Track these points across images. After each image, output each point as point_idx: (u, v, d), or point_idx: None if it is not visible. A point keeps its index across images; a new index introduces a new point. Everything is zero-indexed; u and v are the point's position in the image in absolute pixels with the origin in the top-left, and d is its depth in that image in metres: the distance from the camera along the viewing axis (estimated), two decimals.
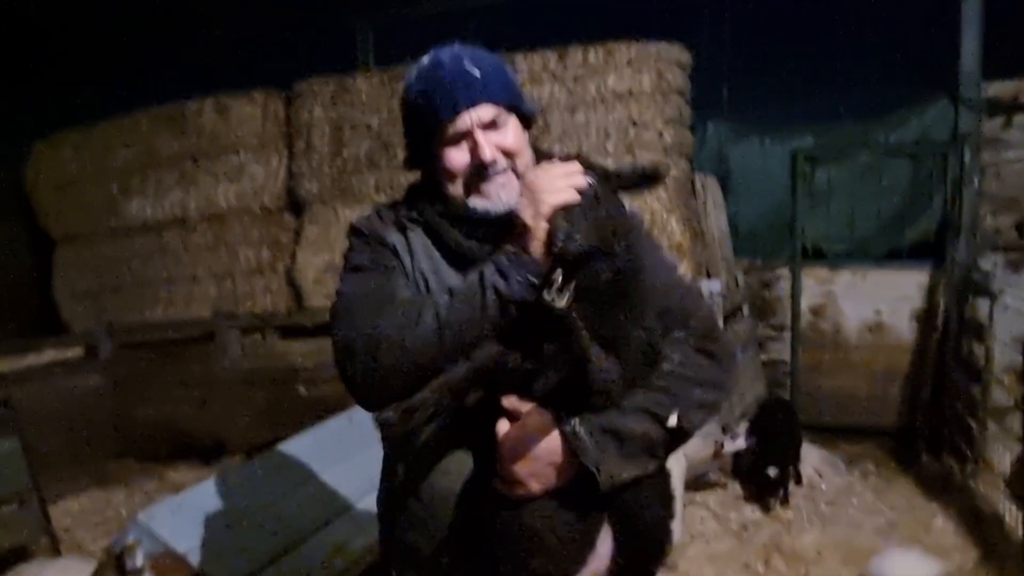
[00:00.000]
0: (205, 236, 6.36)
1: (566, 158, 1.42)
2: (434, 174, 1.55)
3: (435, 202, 1.54)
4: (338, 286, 1.52)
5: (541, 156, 1.57)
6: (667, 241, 4.96)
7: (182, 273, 6.46)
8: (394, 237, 1.54)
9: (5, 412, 4.07)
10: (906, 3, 5.25)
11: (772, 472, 4.31)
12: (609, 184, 1.37)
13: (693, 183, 5.36)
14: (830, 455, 4.92)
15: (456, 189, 1.50)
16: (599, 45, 5.16)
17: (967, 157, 5.23)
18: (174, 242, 6.45)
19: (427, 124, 1.49)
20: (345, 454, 3.41)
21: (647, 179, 1.40)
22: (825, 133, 5.78)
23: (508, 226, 1.40)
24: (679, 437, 1.46)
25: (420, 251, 1.53)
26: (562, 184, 1.33)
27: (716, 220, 5.52)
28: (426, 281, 1.51)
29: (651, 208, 4.99)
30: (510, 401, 1.39)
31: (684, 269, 4.94)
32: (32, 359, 5.94)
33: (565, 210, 1.32)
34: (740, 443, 4.35)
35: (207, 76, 6.73)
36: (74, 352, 6.33)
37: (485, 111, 1.47)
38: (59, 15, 6.90)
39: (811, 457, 4.72)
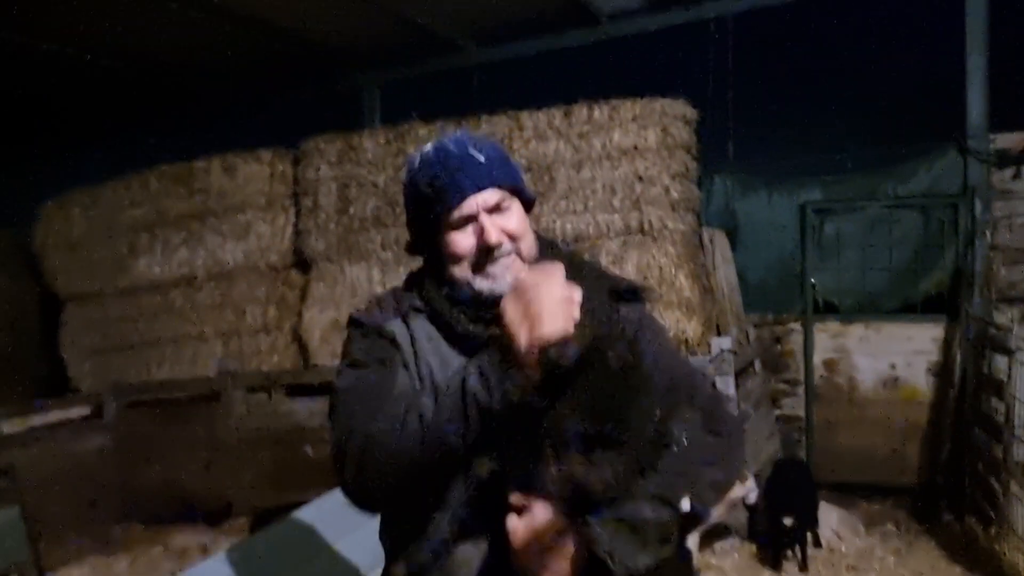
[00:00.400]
0: (212, 294, 6.35)
1: (568, 254, 1.41)
2: (438, 259, 1.55)
3: (439, 286, 1.54)
4: (336, 380, 1.51)
5: (542, 242, 1.58)
6: (676, 297, 4.91)
7: (188, 331, 6.44)
8: (395, 326, 1.53)
9: (6, 481, 4.00)
10: (911, 56, 5.25)
11: (788, 521, 4.18)
12: (601, 284, 1.37)
13: (701, 237, 5.33)
14: (849, 516, 4.79)
15: (462, 272, 1.50)
16: (604, 102, 5.18)
17: (978, 209, 5.18)
18: (181, 301, 6.46)
19: (433, 210, 1.50)
20: (355, 523, 3.32)
21: (635, 295, 1.42)
22: (833, 185, 5.75)
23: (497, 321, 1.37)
24: (693, 520, 1.43)
25: (423, 338, 1.52)
26: (561, 313, 1.29)
27: (725, 274, 5.46)
28: (430, 369, 1.49)
29: (659, 264, 4.95)
30: (517, 498, 1.35)
31: (694, 325, 4.88)
32: (37, 420, 5.89)
33: None
34: (751, 485, 4.25)
35: (215, 136, 6.81)
36: (80, 411, 6.29)
37: (491, 195, 1.48)
38: (69, 78, 7.00)
39: (830, 518, 4.59)
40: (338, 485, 1.45)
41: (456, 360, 1.47)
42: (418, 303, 1.54)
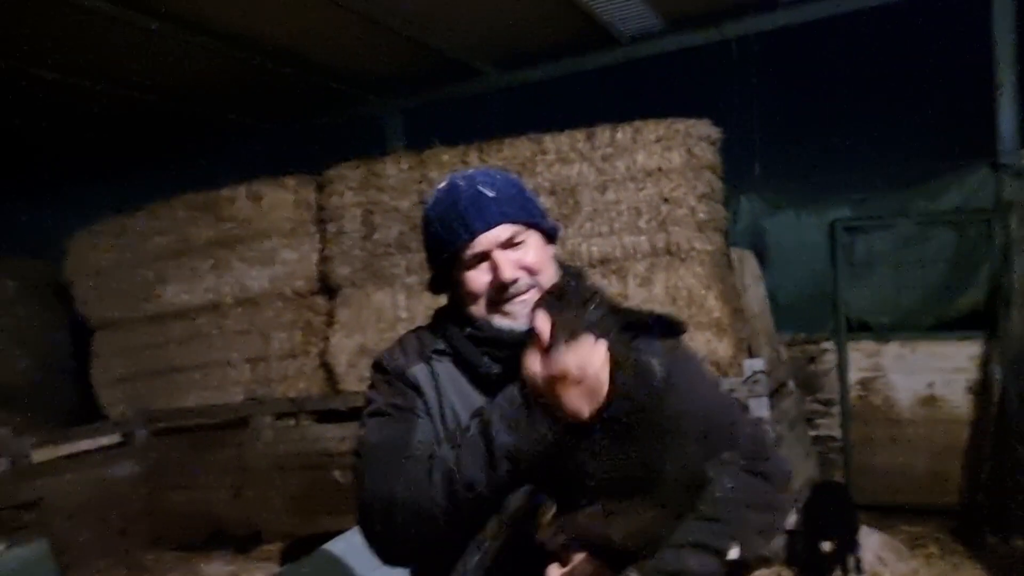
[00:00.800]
0: (239, 321, 6.37)
1: (590, 295, 1.34)
2: (458, 298, 1.53)
3: (461, 325, 1.51)
4: (360, 431, 1.51)
5: (567, 272, 1.53)
6: (705, 318, 4.84)
7: (216, 358, 6.45)
8: (418, 370, 1.51)
9: (36, 513, 4.02)
10: (940, 71, 5.19)
11: (826, 546, 4.09)
12: (627, 328, 1.33)
13: (729, 258, 5.26)
14: (891, 539, 4.68)
15: (479, 310, 1.48)
16: (627, 124, 5.15)
17: (1013, 225, 5.08)
18: (208, 327, 6.48)
19: (447, 249, 1.48)
20: None
21: (667, 328, 1.36)
22: (862, 203, 5.68)
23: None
24: (741, 567, 1.39)
25: (447, 382, 1.49)
26: (603, 382, 1.27)
27: (755, 294, 5.39)
28: (455, 412, 1.47)
29: (687, 285, 4.89)
30: (556, 545, 1.30)
31: (725, 346, 4.81)
32: (67, 448, 5.93)
33: None
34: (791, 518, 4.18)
35: (240, 164, 6.88)
36: (110, 439, 6.33)
37: (502, 231, 1.46)
38: (98, 111, 7.11)
39: (871, 542, 4.48)
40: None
41: (479, 401, 1.44)
42: (441, 346, 1.52)
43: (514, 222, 1.47)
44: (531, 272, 1.47)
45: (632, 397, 1.28)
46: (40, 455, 5.59)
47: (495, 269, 1.45)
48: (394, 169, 5.82)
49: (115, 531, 5.86)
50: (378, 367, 1.55)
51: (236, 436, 5.98)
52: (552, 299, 1.34)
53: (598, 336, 1.27)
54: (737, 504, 1.39)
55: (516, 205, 1.49)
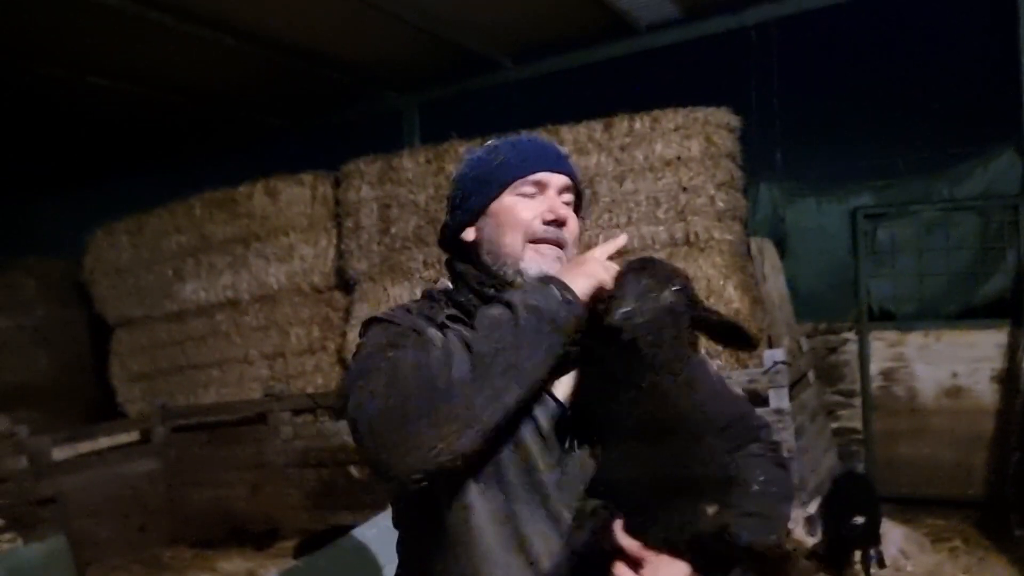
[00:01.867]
0: (257, 317, 6.39)
1: (673, 273, 1.29)
2: (490, 234, 1.41)
3: (479, 286, 1.39)
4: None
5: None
6: (725, 308, 4.78)
7: (234, 354, 6.48)
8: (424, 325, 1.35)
9: (53, 509, 4.02)
10: (963, 55, 5.10)
11: (859, 520, 4.01)
12: (697, 323, 1.26)
13: (749, 247, 5.20)
14: (914, 532, 4.60)
15: (512, 242, 1.38)
16: (645, 113, 5.11)
17: None
18: (226, 324, 6.50)
19: (499, 178, 1.41)
20: None
21: (734, 337, 1.28)
22: (884, 190, 5.59)
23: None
24: (762, 558, 1.33)
25: None
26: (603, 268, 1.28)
27: (775, 284, 5.33)
28: None
29: (707, 275, 4.84)
30: (631, 543, 1.18)
31: None
32: (87, 445, 5.96)
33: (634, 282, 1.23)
34: (811, 508, 4.11)
35: (258, 161, 6.89)
36: (129, 436, 6.36)
37: (568, 180, 1.45)
38: (116, 110, 7.15)
39: (894, 536, 4.40)
40: (366, 462, 1.18)
41: None
42: (453, 311, 1.37)
43: (576, 183, 1.47)
44: (569, 231, 1.43)
45: (677, 403, 1.22)
46: (60, 452, 5.61)
47: (551, 204, 1.40)
48: (411, 163, 5.81)
49: (134, 528, 5.87)
50: (377, 320, 1.38)
51: (254, 432, 5.98)
52: (637, 265, 1.28)
53: (671, 319, 1.21)
54: (772, 498, 1.37)
55: (576, 173, 1.49)
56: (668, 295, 1.22)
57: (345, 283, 6.15)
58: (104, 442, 6.07)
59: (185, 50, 5.99)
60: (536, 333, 1.17)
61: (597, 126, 5.23)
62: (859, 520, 3.98)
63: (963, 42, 5.12)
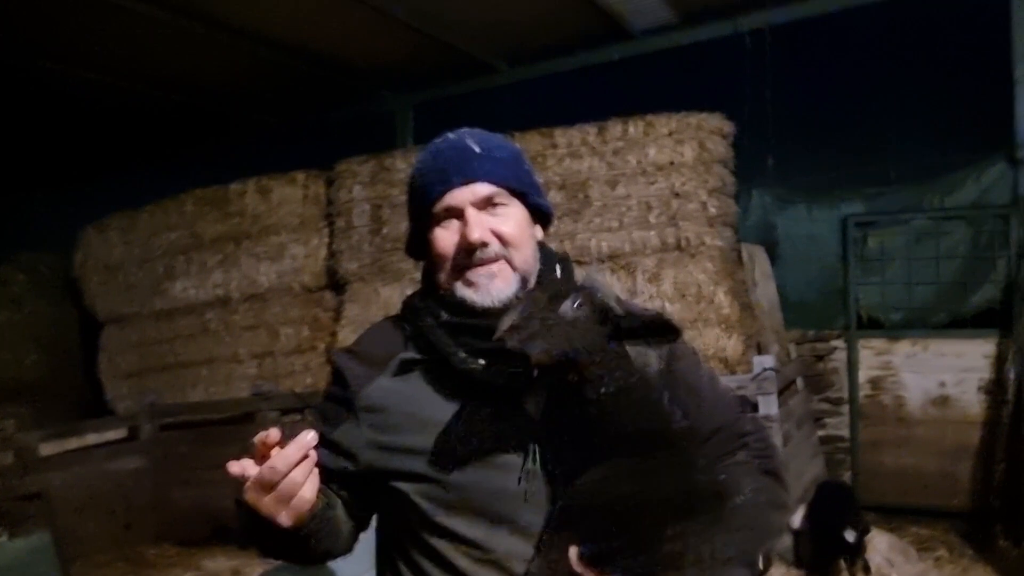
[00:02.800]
0: (246, 316, 6.37)
1: (567, 289, 1.22)
2: (429, 264, 1.39)
3: (436, 312, 1.34)
4: None
5: (549, 257, 1.41)
6: (715, 314, 4.79)
7: (223, 353, 6.46)
8: (375, 388, 1.35)
9: (37, 506, 4.00)
10: (956, 65, 5.12)
11: (850, 537, 4.01)
12: (607, 325, 1.19)
13: (739, 253, 5.21)
14: (899, 541, 4.60)
15: (443, 275, 1.33)
16: (638, 118, 5.11)
17: None
18: (216, 322, 6.48)
19: (422, 203, 1.35)
20: None
21: (655, 329, 1.21)
22: (875, 198, 5.61)
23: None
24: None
25: (418, 396, 1.33)
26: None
27: (765, 290, 5.34)
28: (423, 426, 1.31)
29: (697, 280, 4.84)
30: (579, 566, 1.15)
31: (734, 342, 4.75)
32: (73, 442, 5.93)
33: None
34: (797, 517, 4.12)
35: (250, 159, 6.88)
36: (116, 433, 6.33)
37: (480, 188, 1.30)
38: (107, 105, 7.13)
39: (880, 544, 4.41)
40: None
41: (447, 405, 1.29)
42: (411, 355, 1.34)
43: (496, 183, 1.31)
44: (504, 241, 1.30)
45: (620, 418, 1.17)
46: (46, 448, 5.58)
47: (464, 229, 1.29)
48: (404, 163, 5.79)
49: (119, 525, 5.85)
50: (335, 370, 1.42)
51: (242, 431, 5.95)
52: (535, 289, 1.23)
53: (576, 335, 1.15)
54: (761, 508, 1.32)
55: (504, 167, 1.34)
56: (568, 309, 1.16)
57: (336, 283, 6.13)
58: (91, 439, 6.03)
59: (180, 46, 5.97)
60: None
61: (591, 130, 5.23)
62: (851, 536, 3.99)
63: (955, 52, 5.13)
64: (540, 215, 1.41)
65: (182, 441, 6.12)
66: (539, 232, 1.41)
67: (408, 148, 6.38)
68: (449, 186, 1.31)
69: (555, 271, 1.40)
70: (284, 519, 1.15)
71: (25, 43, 5.77)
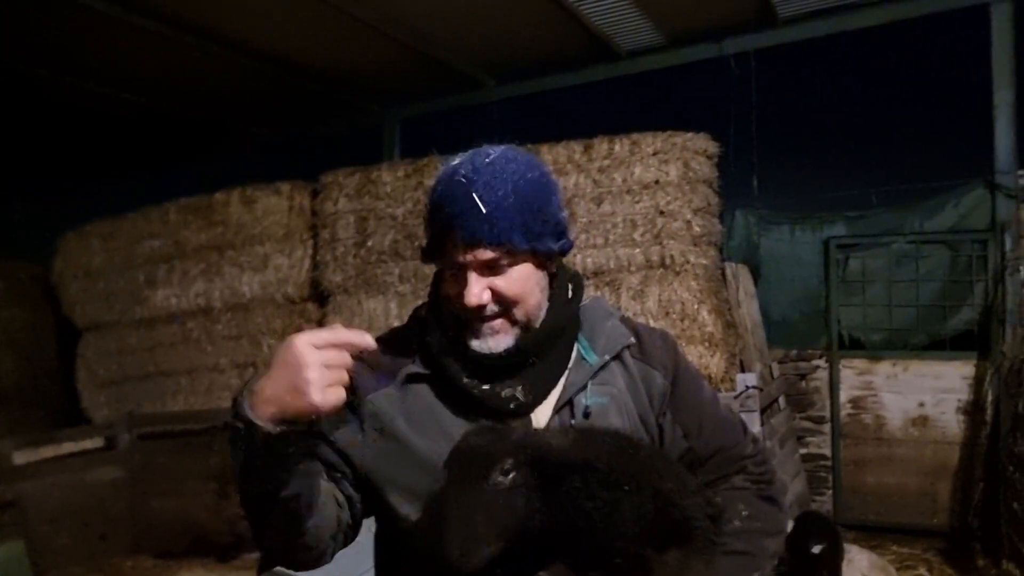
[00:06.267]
0: (228, 326, 6.32)
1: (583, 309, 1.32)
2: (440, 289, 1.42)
3: (443, 329, 1.38)
4: None
5: (563, 278, 1.42)
6: (698, 332, 4.82)
7: (204, 362, 6.39)
8: (381, 396, 1.38)
9: (12, 515, 3.93)
10: (937, 91, 5.22)
11: (816, 549, 4.01)
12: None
13: (723, 272, 5.25)
14: (880, 559, 4.62)
15: (451, 316, 1.36)
16: (624, 137, 5.15)
17: (1008, 245, 5.08)
18: (197, 331, 6.42)
19: (433, 246, 1.36)
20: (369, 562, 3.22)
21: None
22: (857, 221, 5.68)
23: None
24: None
25: (420, 408, 1.37)
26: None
27: (748, 309, 5.38)
28: (426, 437, 1.35)
29: (681, 299, 4.87)
30: None
31: (717, 360, 4.78)
32: (49, 451, 5.84)
33: None
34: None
35: (237, 170, 6.85)
36: (93, 443, 6.24)
37: (482, 253, 1.29)
38: (93, 112, 7.09)
39: (860, 562, 4.42)
40: None
41: (455, 426, 1.33)
42: (416, 369, 1.38)
43: (500, 245, 1.28)
44: (504, 301, 1.31)
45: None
46: (21, 457, 5.49)
47: (464, 289, 1.30)
48: (390, 177, 5.80)
49: (95, 536, 5.75)
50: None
51: (222, 442, 5.89)
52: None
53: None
54: (756, 534, 1.34)
55: (511, 223, 1.28)
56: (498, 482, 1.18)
57: (319, 295, 6.11)
58: (67, 448, 5.94)
59: (171, 56, 5.97)
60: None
61: (577, 147, 5.26)
62: (816, 549, 3.98)
63: (938, 78, 5.24)
64: (550, 254, 1.38)
65: (161, 451, 6.04)
66: (552, 268, 1.40)
67: (395, 162, 6.38)
68: (454, 245, 1.30)
69: (567, 291, 1.42)
70: (317, 395, 1.12)
71: (11, 48, 5.73)
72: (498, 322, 1.32)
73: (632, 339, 1.43)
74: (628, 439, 1.26)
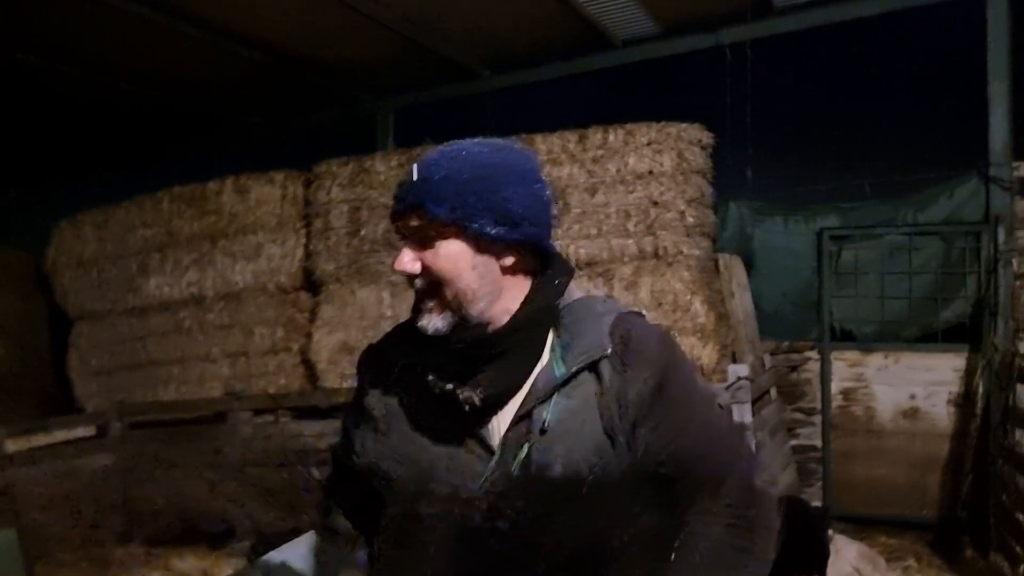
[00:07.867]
0: (221, 315, 6.32)
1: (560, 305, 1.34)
2: None
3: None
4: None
5: (553, 276, 1.36)
6: (690, 323, 4.82)
7: (196, 352, 6.40)
8: (375, 395, 1.41)
9: (4, 502, 3.93)
10: (932, 82, 5.21)
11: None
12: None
13: (716, 263, 5.24)
14: (869, 550, 4.63)
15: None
16: (619, 127, 5.14)
17: (1001, 237, 5.07)
18: (190, 321, 6.42)
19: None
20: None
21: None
22: (851, 212, 5.68)
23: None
24: None
25: (410, 403, 1.38)
26: None
27: (741, 301, 5.37)
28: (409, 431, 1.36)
29: (674, 289, 4.87)
30: None
31: (709, 351, 4.78)
32: (41, 439, 5.84)
33: None
34: None
35: (231, 159, 6.84)
36: (85, 431, 6.24)
37: (410, 220, 1.25)
38: (86, 101, 7.06)
39: (849, 553, 4.44)
40: None
41: (425, 418, 1.34)
42: (411, 361, 1.36)
43: (425, 215, 1.23)
44: (431, 277, 1.26)
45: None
46: (13, 445, 5.49)
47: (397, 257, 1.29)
48: (383, 166, 5.79)
49: (86, 524, 5.75)
50: (360, 363, 1.49)
51: (213, 431, 5.90)
52: None
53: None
54: (715, 568, 1.27)
55: (438, 193, 1.23)
56: None
57: (312, 284, 6.10)
58: (59, 436, 5.94)
59: (163, 44, 5.94)
60: None
61: (571, 137, 5.26)
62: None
63: (933, 70, 5.23)
64: (498, 240, 1.27)
65: (152, 440, 6.04)
66: (508, 260, 1.28)
67: (388, 151, 6.36)
68: (395, 210, 1.29)
69: (553, 284, 1.34)
70: None
71: (5, 36, 5.70)
72: (432, 302, 1.26)
73: (608, 349, 1.29)
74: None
